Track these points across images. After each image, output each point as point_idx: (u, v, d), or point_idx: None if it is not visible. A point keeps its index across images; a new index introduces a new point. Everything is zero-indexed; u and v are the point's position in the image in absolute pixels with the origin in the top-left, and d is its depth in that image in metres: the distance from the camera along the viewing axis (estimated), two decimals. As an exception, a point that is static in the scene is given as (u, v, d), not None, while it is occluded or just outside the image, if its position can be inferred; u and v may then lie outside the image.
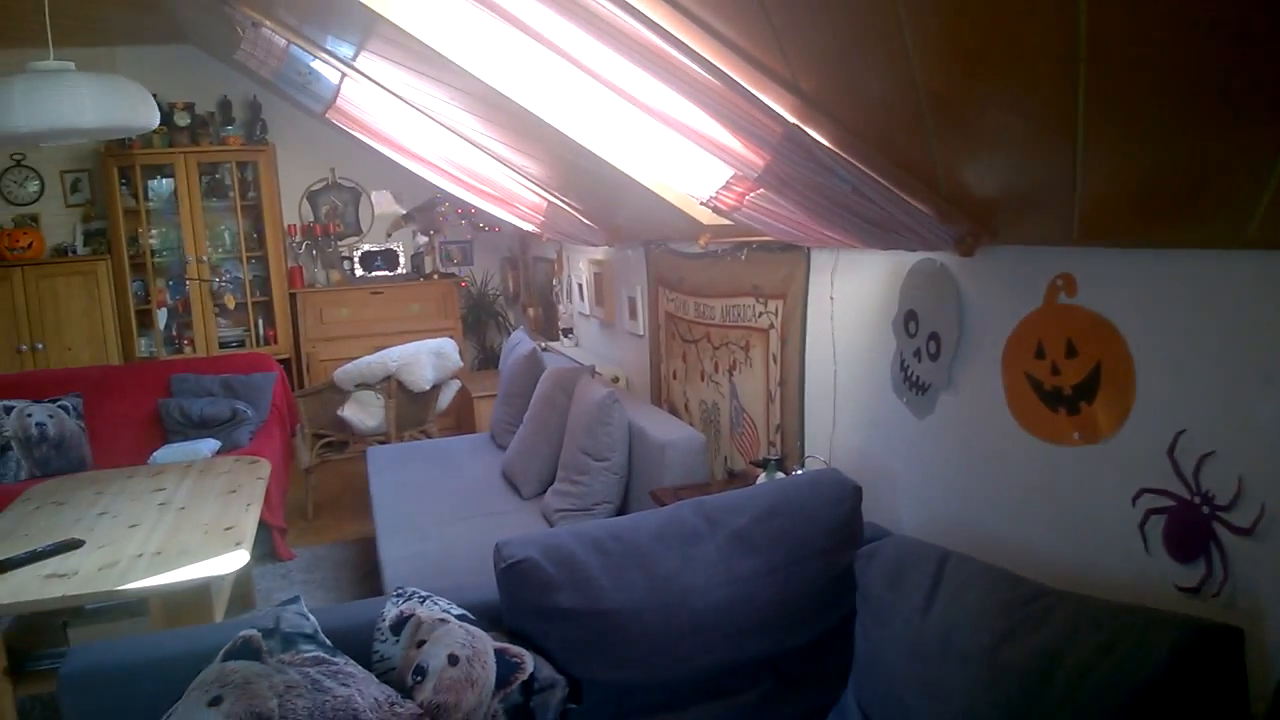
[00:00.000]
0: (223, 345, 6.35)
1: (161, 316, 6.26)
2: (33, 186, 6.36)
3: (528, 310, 6.36)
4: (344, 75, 3.89)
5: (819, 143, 1.78)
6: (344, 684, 1.76)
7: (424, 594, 1.98)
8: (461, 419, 6.02)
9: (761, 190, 1.97)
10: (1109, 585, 1.72)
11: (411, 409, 5.06)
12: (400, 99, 3.84)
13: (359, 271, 6.65)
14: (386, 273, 6.68)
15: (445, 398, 5.24)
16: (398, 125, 4.15)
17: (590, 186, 3.78)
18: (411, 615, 1.91)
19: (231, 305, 6.36)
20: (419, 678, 1.80)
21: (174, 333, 6.35)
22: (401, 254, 6.73)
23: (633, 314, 4.23)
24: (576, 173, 3.65)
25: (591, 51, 1.98)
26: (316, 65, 3.89)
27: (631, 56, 1.83)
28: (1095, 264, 1.76)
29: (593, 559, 1.94)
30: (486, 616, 1.97)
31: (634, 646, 1.90)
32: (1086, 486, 1.80)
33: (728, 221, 2.86)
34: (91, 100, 3.15)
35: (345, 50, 3.73)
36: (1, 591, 2.65)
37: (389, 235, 6.81)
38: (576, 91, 2.52)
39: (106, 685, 1.86)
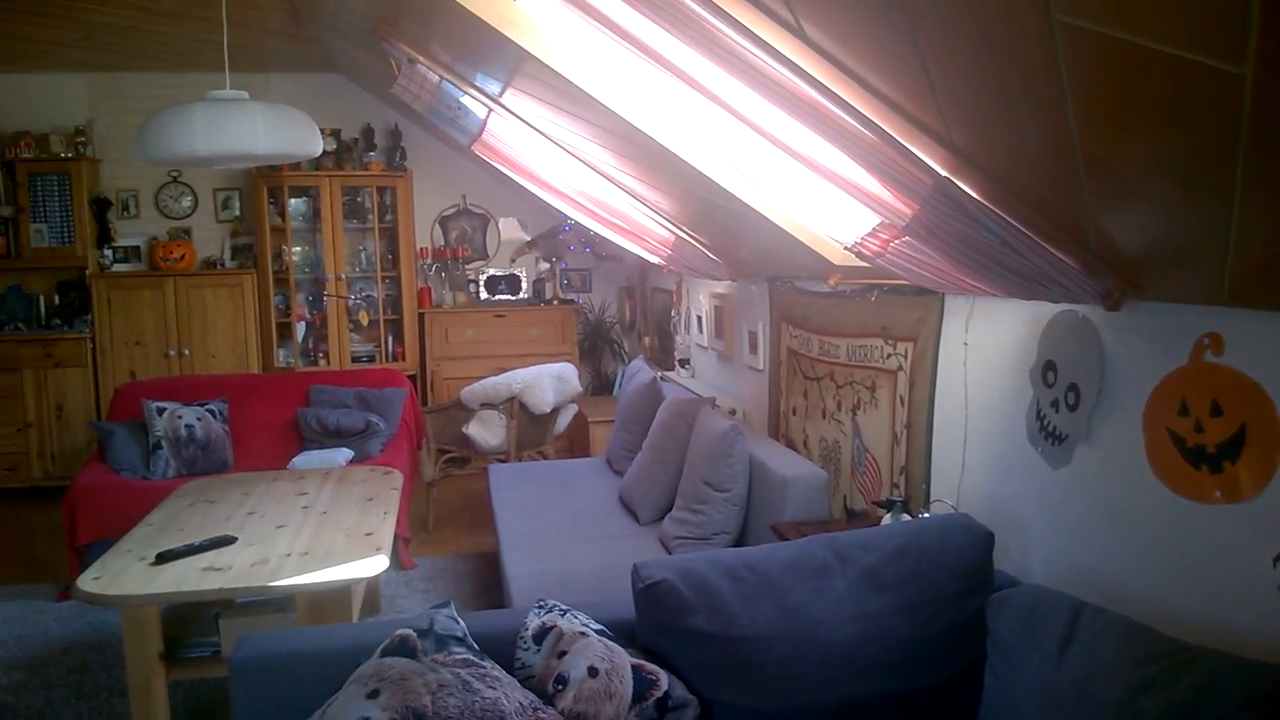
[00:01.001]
0: (354, 360, 6.67)
1: (300, 329, 6.62)
2: (187, 202, 6.82)
3: (644, 339, 6.48)
4: (490, 110, 4.09)
5: (969, 195, 1.84)
6: (491, 687, 1.87)
7: (564, 607, 2.09)
8: (575, 442, 6.17)
9: (907, 238, 2.03)
10: (1245, 644, 1.70)
11: (531, 430, 5.23)
12: (540, 134, 4.02)
13: (483, 294, 6.90)
14: (509, 296, 6.92)
15: (563, 421, 5.40)
16: (536, 158, 4.33)
17: (718, 222, 3.88)
18: (553, 627, 2.01)
19: (365, 322, 6.68)
20: (560, 686, 1.90)
21: (310, 345, 6.70)
22: (524, 279, 6.96)
23: (753, 348, 4.29)
24: (706, 208, 3.76)
25: (741, 96, 2.08)
26: (466, 100, 4.11)
27: (785, 105, 1.92)
28: (1244, 325, 1.75)
29: (726, 585, 2.01)
30: (620, 633, 2.06)
31: (764, 674, 1.96)
32: (1226, 545, 1.79)
33: (860, 263, 2.92)
34: (265, 128, 3.40)
35: (493, 87, 3.94)
36: (163, 581, 2.88)
37: (513, 260, 7.06)
38: (715, 129, 2.63)
39: (272, 673, 2.01)
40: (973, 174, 1.84)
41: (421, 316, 6.76)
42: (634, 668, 1.93)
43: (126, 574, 2.90)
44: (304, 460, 4.71)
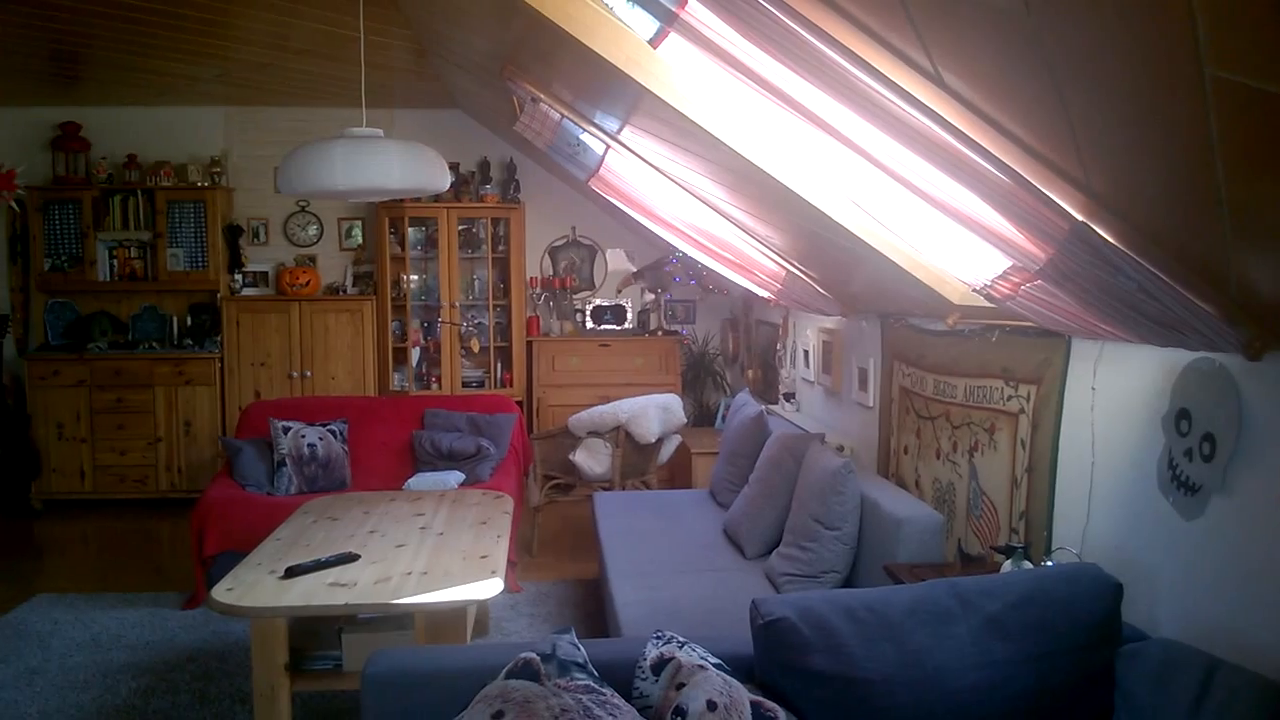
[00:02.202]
0: (464, 385, 6.86)
1: (415, 354, 6.85)
2: (313, 230, 7.15)
3: (747, 372, 6.49)
4: (608, 147, 4.20)
5: (1106, 240, 1.82)
6: (612, 714, 1.91)
7: (681, 639, 2.11)
8: (676, 472, 6.20)
9: (1040, 282, 2.01)
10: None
11: (635, 459, 5.29)
12: (656, 169, 4.11)
13: (589, 324, 7.02)
14: (614, 326, 7.02)
15: (667, 451, 5.44)
16: (650, 193, 4.42)
17: (831, 258, 3.89)
18: (672, 658, 2.04)
19: (476, 349, 6.87)
20: (678, 718, 1.92)
21: (424, 370, 6.92)
22: (630, 309, 7.05)
23: (862, 385, 4.27)
24: (819, 244, 3.77)
25: (871, 138, 2.11)
26: (585, 138, 4.22)
27: (918, 149, 1.94)
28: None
29: (845, 626, 2.01)
30: (736, 668, 2.08)
31: (885, 717, 1.94)
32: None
33: (981, 302, 2.89)
34: (398, 165, 3.57)
35: (611, 124, 4.04)
36: (292, 595, 3.01)
37: (619, 291, 7.16)
38: (836, 167, 2.65)
39: (401, 687, 2.09)
40: (1110, 219, 1.82)
41: (530, 344, 6.92)
42: (752, 704, 1.94)
43: (258, 586, 3.05)
44: (418, 482, 4.86)
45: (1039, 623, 2.04)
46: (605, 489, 5.19)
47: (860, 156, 2.21)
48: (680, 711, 1.94)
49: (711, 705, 1.93)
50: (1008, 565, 2.61)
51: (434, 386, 6.85)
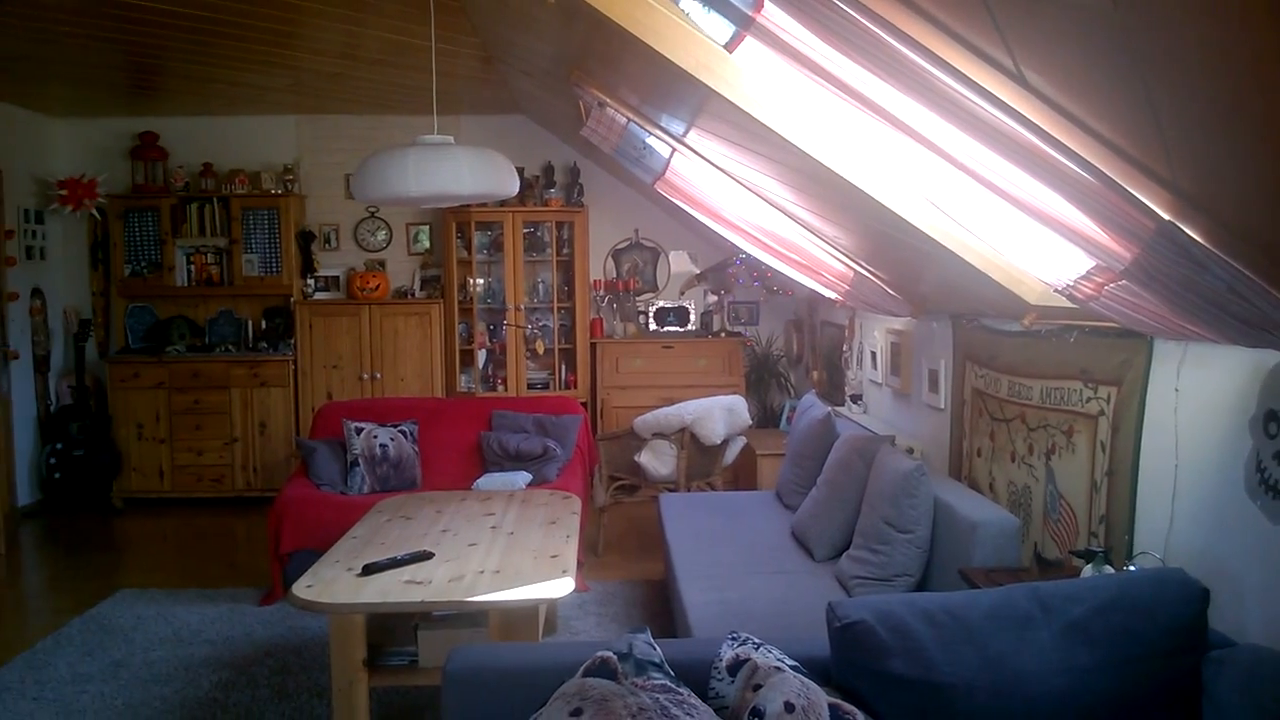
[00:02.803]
0: (530, 386, 6.94)
1: (481, 356, 6.95)
2: (382, 236, 7.29)
3: (812, 373, 6.46)
4: (674, 150, 4.22)
5: (1194, 239, 1.78)
6: (689, 714, 1.92)
7: (757, 641, 2.12)
8: (739, 474, 6.19)
9: (1124, 282, 1.97)
10: None
11: (700, 460, 5.29)
12: (722, 171, 4.11)
13: (652, 326, 7.05)
14: (677, 328, 7.03)
15: (732, 452, 5.43)
16: (715, 195, 4.42)
17: (901, 258, 3.85)
18: (748, 660, 2.05)
19: (541, 351, 6.94)
20: (755, 719, 1.93)
21: (489, 372, 7.02)
22: (692, 311, 7.06)
23: (933, 386, 4.22)
24: (888, 244, 3.74)
25: (949, 137, 2.09)
26: (651, 141, 4.24)
27: (999, 148, 1.92)
28: None
29: (925, 630, 2.00)
30: (812, 670, 2.07)
31: (965, 722, 1.93)
32: None
33: (1058, 303, 2.85)
34: (469, 171, 3.63)
35: (677, 127, 4.06)
36: (369, 591, 3.08)
37: (682, 293, 7.18)
38: (908, 166, 2.63)
39: (480, 684, 2.13)
40: (1198, 218, 1.78)
41: (593, 346, 6.97)
42: (830, 706, 1.94)
43: (336, 583, 3.13)
44: (487, 482, 4.93)
45: (1123, 628, 2.01)
46: (670, 490, 5.21)
47: (937, 156, 2.20)
48: (757, 712, 1.94)
49: (789, 707, 1.93)
50: (1088, 570, 2.57)
51: (500, 388, 6.94)
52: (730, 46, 2.46)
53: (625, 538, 5.75)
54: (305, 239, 7.09)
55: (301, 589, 3.06)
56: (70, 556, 5.78)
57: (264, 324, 7.08)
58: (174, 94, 6.39)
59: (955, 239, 3.10)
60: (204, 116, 7.08)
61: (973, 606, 2.07)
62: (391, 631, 3.35)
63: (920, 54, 1.72)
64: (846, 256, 4.18)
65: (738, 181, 4.06)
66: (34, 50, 5.17)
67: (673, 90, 3.58)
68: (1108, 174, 1.80)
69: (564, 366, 7.04)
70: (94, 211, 6.95)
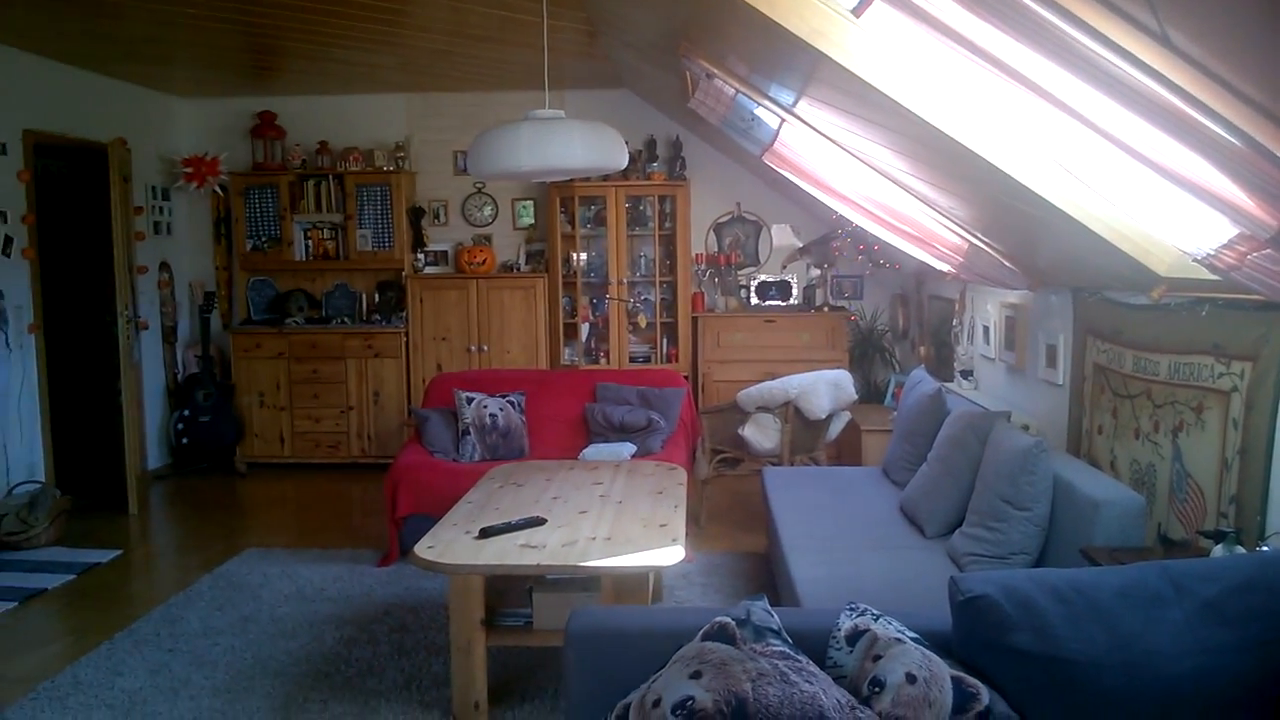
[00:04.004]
0: (631, 360, 7.00)
1: (584, 330, 7.04)
2: (488, 211, 7.43)
3: (919, 349, 6.34)
4: (783, 121, 4.18)
5: (1352, 204, 1.70)
6: (809, 681, 1.93)
7: (876, 612, 2.12)
8: (843, 449, 6.14)
9: (1269, 250, 1.89)
10: None
11: (804, 435, 5.27)
12: (832, 141, 4.06)
13: (754, 300, 7.01)
14: (779, 302, 6.98)
15: (836, 428, 5.39)
16: (825, 166, 4.37)
17: (1019, 229, 3.75)
18: (867, 630, 2.05)
19: (643, 324, 6.99)
20: (876, 689, 1.93)
21: (592, 345, 7.10)
22: (795, 285, 7.00)
23: (1050, 362, 4.10)
24: (1007, 214, 3.64)
25: (1085, 100, 2.02)
26: (759, 112, 4.21)
27: (1140, 111, 1.85)
28: None
29: (1052, 606, 1.96)
30: (932, 644, 2.06)
31: (1093, 701, 1.89)
32: None
33: (1191, 274, 2.74)
34: (581, 144, 3.67)
35: (787, 97, 4.02)
36: (487, 554, 3.18)
37: (784, 267, 7.12)
38: (1034, 131, 2.55)
39: (600, 645, 2.18)
40: (1357, 182, 1.70)
41: (695, 320, 6.98)
42: (953, 679, 1.93)
43: (455, 545, 3.24)
44: (593, 452, 5.01)
45: (1262, 609, 1.94)
46: (774, 464, 5.20)
47: (1071, 120, 2.13)
48: (878, 683, 1.95)
49: (911, 678, 1.93)
50: (1218, 550, 2.48)
51: (602, 361, 7.02)
52: (859, 11, 2.42)
53: (728, 510, 5.78)
54: (415, 214, 7.28)
55: (424, 550, 3.18)
56: (198, 517, 6.10)
57: (377, 297, 7.30)
58: (291, 74, 6.61)
59: (1081, 208, 3.00)
60: (319, 96, 7.31)
61: (1100, 584, 2.02)
62: (506, 593, 3.46)
63: (1057, 14, 1.67)
64: (962, 228, 4.09)
65: (848, 152, 4.00)
66: (160, 33, 5.42)
67: (783, 59, 3.54)
68: (1256, 138, 1.72)
69: (665, 340, 7.07)
70: (217, 188, 7.27)
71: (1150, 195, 2.27)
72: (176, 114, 7.41)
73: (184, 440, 7.02)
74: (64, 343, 6.59)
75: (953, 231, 4.19)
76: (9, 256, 5.66)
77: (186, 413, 7.00)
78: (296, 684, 3.57)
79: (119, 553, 5.26)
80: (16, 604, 4.46)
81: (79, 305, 6.84)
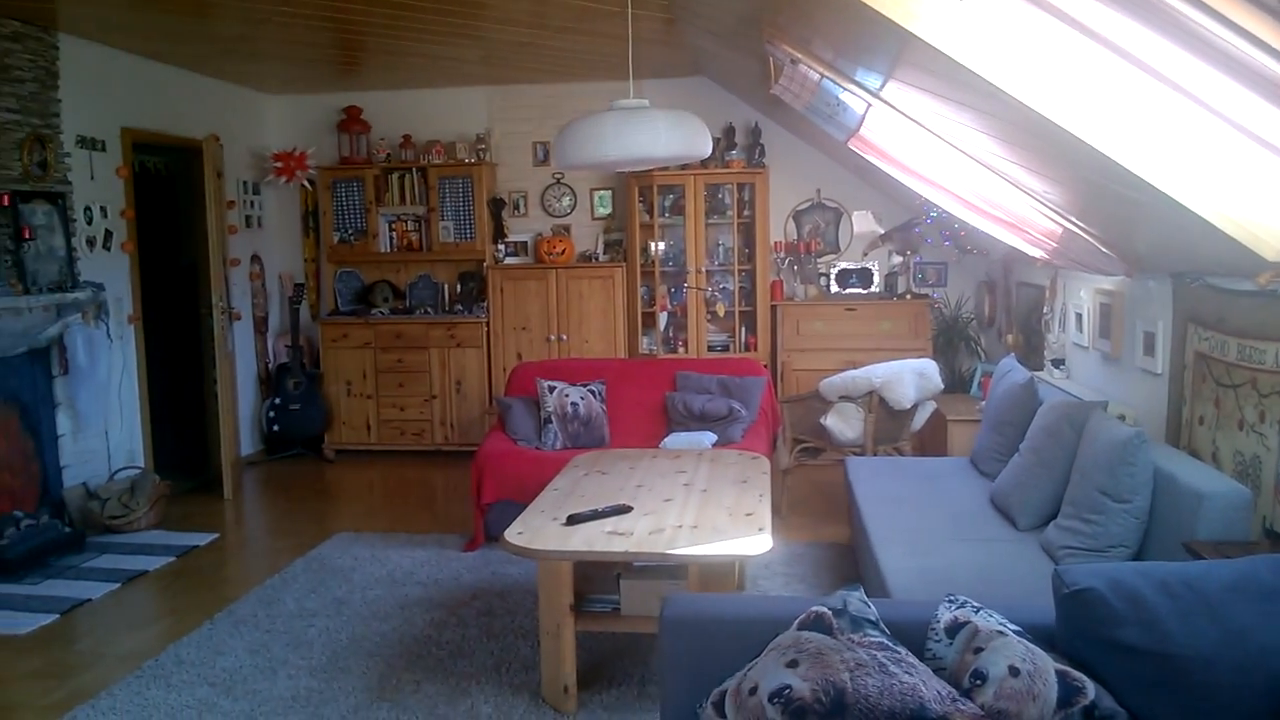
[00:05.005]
0: (710, 349, 6.99)
1: (662, 319, 7.05)
2: (567, 201, 7.48)
3: (1006, 336, 6.20)
4: (869, 105, 4.11)
5: None
6: (908, 672, 1.92)
7: (976, 604, 2.09)
8: (927, 440, 6.04)
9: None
10: None
11: (888, 425, 5.20)
12: (920, 125, 3.98)
13: (834, 288, 6.94)
14: (860, 290, 6.90)
15: (920, 417, 5.31)
16: (912, 151, 4.29)
17: (1115, 213, 3.63)
18: (967, 622, 2.02)
19: (721, 313, 6.97)
20: (978, 681, 1.91)
21: (670, 334, 7.11)
22: (876, 273, 6.91)
23: (1148, 350, 3.97)
24: (1104, 198, 3.53)
25: (1196, 77, 1.95)
26: (844, 97, 4.16)
27: (1258, 91, 1.78)
28: None
29: (1160, 600, 1.91)
30: (1034, 637, 2.02)
31: (1203, 698, 1.84)
32: None
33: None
34: (666, 133, 3.67)
35: (873, 81, 3.95)
36: (575, 540, 3.22)
37: (865, 254, 7.03)
38: (1136, 110, 2.47)
39: (695, 631, 2.20)
40: None
41: (774, 309, 6.93)
42: (1057, 672, 1.90)
43: (544, 532, 3.28)
44: (674, 441, 5.02)
45: (1388, 608, 1.86)
46: (856, 454, 5.15)
47: (1177, 98, 2.06)
48: (979, 675, 1.92)
49: (1014, 670, 1.90)
50: (1336, 546, 2.38)
51: (680, 350, 7.02)
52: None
53: (809, 500, 5.74)
54: (496, 206, 7.37)
55: (513, 535, 3.23)
56: (289, 502, 6.29)
57: (459, 288, 7.42)
58: (375, 69, 6.74)
59: (1184, 191, 2.89)
60: (402, 90, 7.44)
61: (1210, 577, 1.96)
62: (593, 579, 3.49)
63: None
64: (1056, 212, 3.98)
65: (938, 136, 3.92)
66: (252, 31, 5.58)
67: (871, 41, 3.48)
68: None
69: (744, 329, 7.04)
70: (305, 182, 7.46)
71: (1259, 177, 2.17)
72: (266, 110, 7.62)
73: (275, 427, 7.24)
74: (161, 333, 6.84)
75: (1046, 216, 4.08)
76: (109, 250, 5.90)
77: (277, 400, 7.22)
78: (389, 665, 3.67)
79: (216, 536, 5.46)
80: (120, 585, 4.67)
81: (175, 297, 7.10)
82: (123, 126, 6.02)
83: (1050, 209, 3.99)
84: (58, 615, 4.27)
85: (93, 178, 5.75)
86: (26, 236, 5.08)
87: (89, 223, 5.72)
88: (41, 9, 5.02)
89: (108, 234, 5.89)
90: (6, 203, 4.99)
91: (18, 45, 5.14)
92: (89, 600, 4.45)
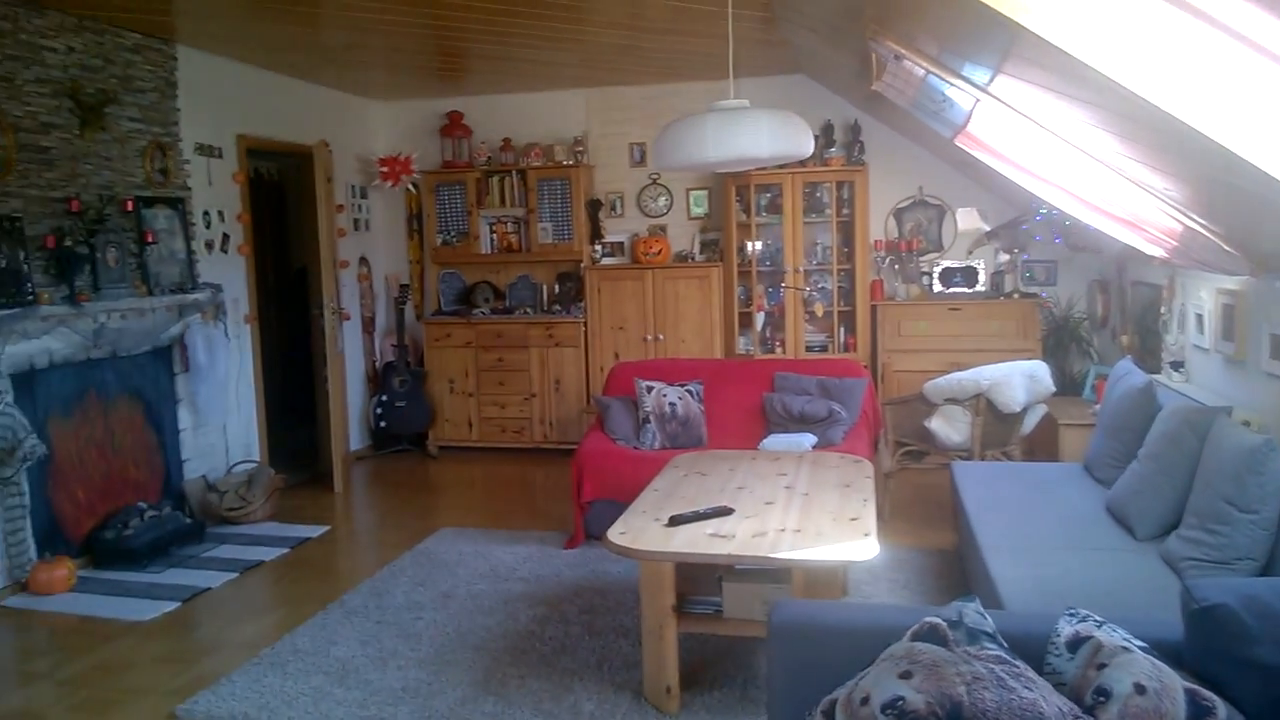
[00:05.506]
0: (807, 349, 6.92)
1: (759, 319, 7.01)
2: (663, 201, 7.50)
3: (1120, 338, 5.97)
4: (977, 101, 4.01)
5: None
6: (1028, 687, 1.86)
7: (1099, 618, 2.02)
8: (1037, 444, 5.86)
9: None
10: None
11: (996, 429, 5.06)
12: (1032, 121, 3.86)
13: (937, 287, 6.78)
14: (964, 290, 6.73)
15: (1030, 421, 5.16)
16: (1023, 147, 4.17)
17: (1242, 210, 3.46)
18: (1090, 637, 1.96)
19: (819, 313, 6.90)
20: (1101, 699, 1.84)
21: (767, 334, 7.07)
22: (982, 271, 6.73)
23: (1275, 353, 3.78)
24: (1228, 194, 3.37)
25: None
26: (950, 92, 4.06)
27: None
28: None
29: (1300, 618, 1.82)
30: (1161, 654, 1.95)
31: (1351, 723, 1.75)
32: None
33: None
34: (768, 133, 3.65)
35: (981, 76, 3.85)
36: (677, 541, 3.23)
37: (970, 252, 6.86)
38: (1259, 101, 2.34)
39: (804, 637, 2.19)
40: None
41: (874, 308, 6.82)
42: (1186, 691, 1.82)
43: (646, 532, 3.30)
44: (773, 442, 4.99)
45: None
46: (962, 458, 5.03)
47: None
48: (1103, 692, 1.86)
49: (1140, 688, 1.83)
50: None
51: (777, 350, 6.97)
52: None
53: (912, 505, 5.63)
54: (593, 207, 7.44)
55: (615, 535, 3.26)
56: (396, 496, 6.47)
57: (557, 288, 7.52)
58: (477, 74, 6.87)
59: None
60: (503, 94, 7.57)
61: (1356, 596, 1.86)
62: (695, 581, 3.49)
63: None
64: (1177, 209, 3.81)
65: (1050, 131, 3.80)
66: (359, 39, 5.75)
67: (979, 35, 3.40)
68: None
69: (843, 329, 6.94)
70: (410, 186, 7.67)
71: None
72: (373, 116, 7.85)
73: (382, 424, 7.46)
74: (275, 333, 7.11)
75: (1166, 214, 3.91)
76: (226, 253, 6.16)
77: (384, 398, 7.43)
78: (495, 659, 3.74)
79: (327, 528, 5.65)
80: (237, 574, 4.87)
81: (288, 298, 7.38)
82: (237, 133, 6.28)
83: (1171, 206, 3.83)
84: (179, 603, 4.48)
85: (210, 183, 6.02)
86: (149, 240, 5.34)
87: (207, 226, 5.99)
88: (161, 22, 5.28)
89: (225, 237, 6.15)
90: (130, 208, 5.26)
91: (139, 57, 5.41)
92: (209, 589, 4.67)
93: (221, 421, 6.08)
